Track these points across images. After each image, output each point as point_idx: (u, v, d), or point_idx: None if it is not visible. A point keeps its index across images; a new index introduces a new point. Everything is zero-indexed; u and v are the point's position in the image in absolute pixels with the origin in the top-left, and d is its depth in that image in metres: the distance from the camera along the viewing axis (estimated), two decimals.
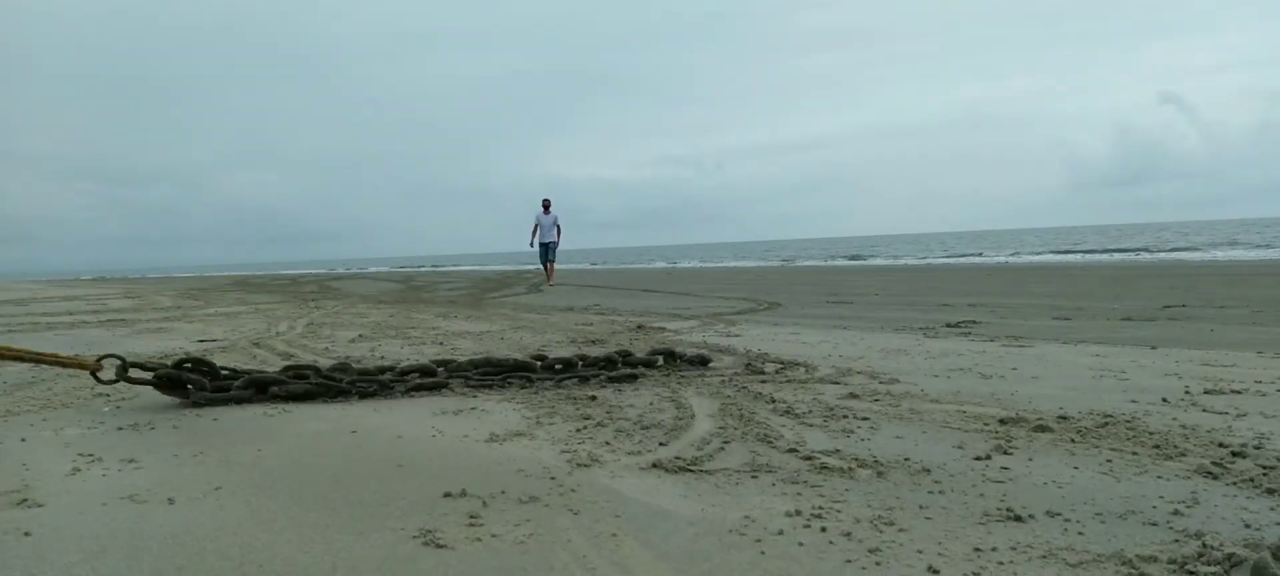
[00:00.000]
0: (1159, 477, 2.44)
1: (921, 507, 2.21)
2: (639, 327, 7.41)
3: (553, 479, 2.55)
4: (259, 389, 3.84)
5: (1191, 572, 1.76)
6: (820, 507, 2.22)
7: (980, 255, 34.27)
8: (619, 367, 4.34)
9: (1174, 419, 3.19)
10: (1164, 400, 3.55)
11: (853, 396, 3.77)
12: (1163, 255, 26.35)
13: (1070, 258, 28.17)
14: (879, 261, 32.96)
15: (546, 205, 19.83)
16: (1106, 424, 3.10)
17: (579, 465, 2.69)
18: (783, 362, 4.92)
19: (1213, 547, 1.85)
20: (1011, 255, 32.49)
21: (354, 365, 4.40)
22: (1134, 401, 3.54)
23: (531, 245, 19.98)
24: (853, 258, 38.94)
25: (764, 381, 4.25)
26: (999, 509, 2.18)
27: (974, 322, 7.33)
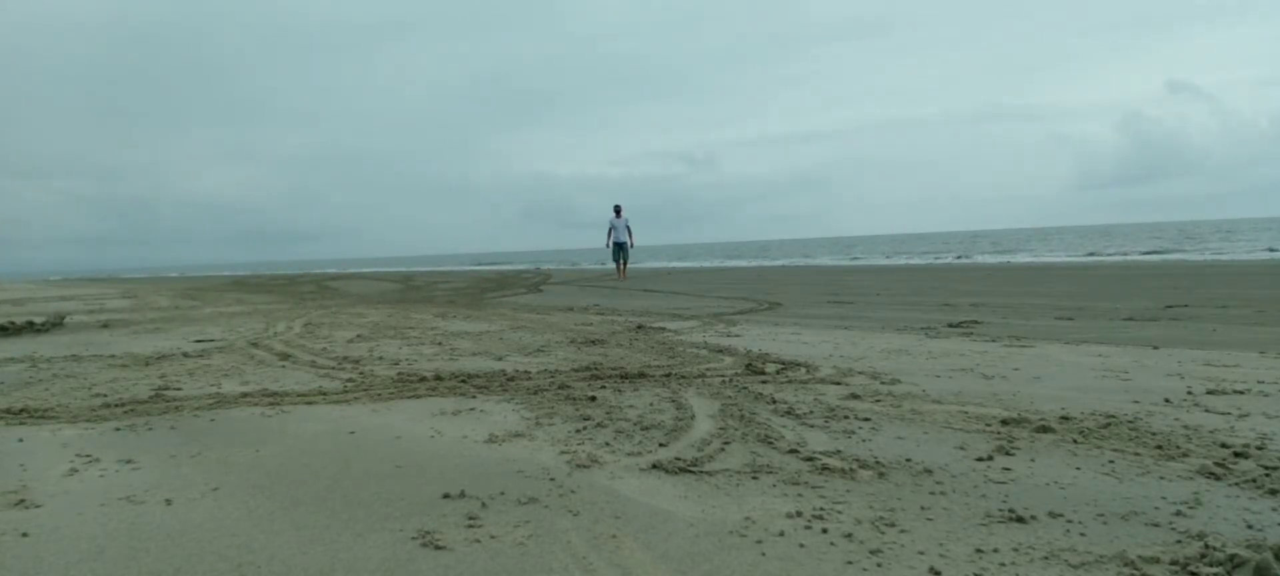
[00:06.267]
0: (1161, 478, 2.43)
1: (923, 508, 2.20)
2: (639, 328, 7.40)
3: (552, 480, 2.54)
4: None
5: (1194, 573, 1.74)
6: (821, 509, 2.21)
7: (982, 255, 34.25)
8: None
9: (1176, 419, 3.18)
10: (1166, 400, 3.54)
11: (854, 397, 3.75)
12: (1165, 255, 26.32)
13: (1072, 258, 28.14)
14: (879, 261, 32.92)
15: (618, 210, 21.23)
16: (1109, 424, 3.08)
17: (579, 466, 2.68)
18: (783, 363, 4.90)
19: (1215, 548, 1.84)
20: (1013, 255, 32.47)
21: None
22: (1136, 402, 3.53)
23: (606, 245, 21.60)
24: (853, 257, 38.90)
25: (765, 382, 4.24)
26: (1001, 510, 2.17)
27: (976, 323, 7.31)
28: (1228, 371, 4.26)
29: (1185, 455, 2.66)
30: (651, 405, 3.65)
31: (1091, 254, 30.82)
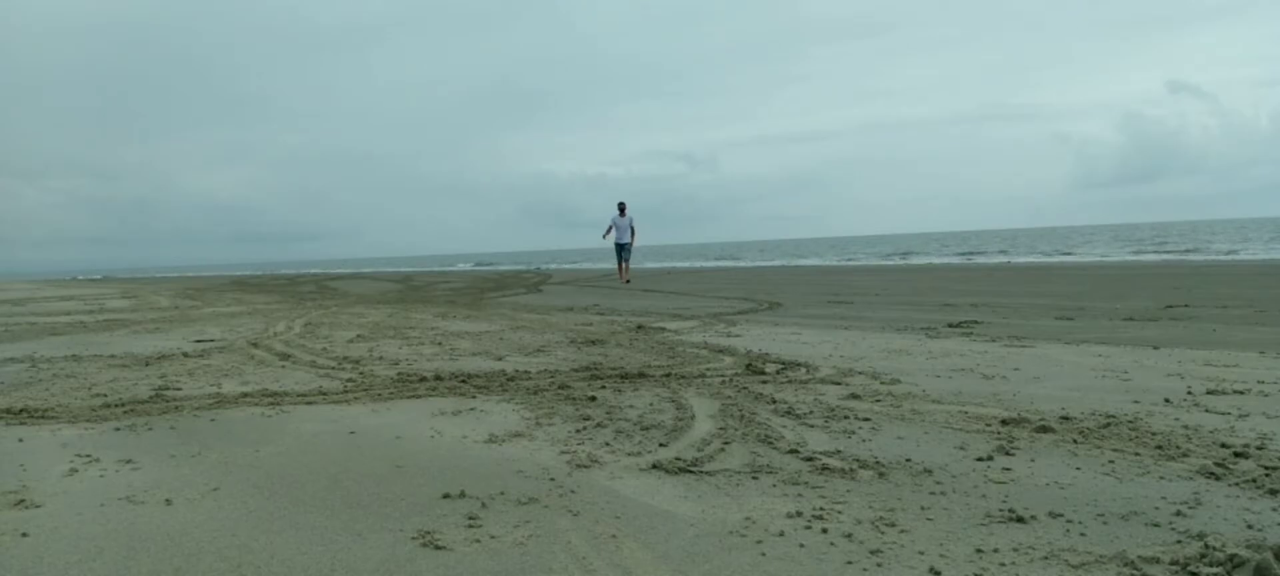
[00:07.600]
0: (1161, 478, 2.43)
1: (923, 508, 2.20)
2: (639, 328, 7.40)
3: (552, 480, 2.54)
4: None
5: (1194, 573, 1.74)
6: (821, 509, 2.21)
7: (983, 255, 34.24)
8: None
9: (1176, 419, 3.18)
10: (1166, 400, 3.54)
11: (854, 397, 3.75)
12: (1166, 255, 26.32)
13: (1073, 258, 28.13)
14: (879, 261, 32.92)
15: (622, 208, 19.61)
16: (1109, 424, 3.08)
17: (578, 466, 2.68)
18: (783, 363, 4.90)
19: (1215, 548, 1.84)
20: (1013, 255, 32.46)
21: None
22: (1136, 402, 3.53)
23: (604, 238, 20.22)
24: (850, 257, 38.89)
25: (765, 382, 4.24)
26: (1001, 510, 2.17)
27: (976, 323, 7.31)
28: (1228, 371, 4.26)
29: (1185, 455, 2.66)
30: (651, 405, 3.65)
31: (1068, 253, 30.83)
